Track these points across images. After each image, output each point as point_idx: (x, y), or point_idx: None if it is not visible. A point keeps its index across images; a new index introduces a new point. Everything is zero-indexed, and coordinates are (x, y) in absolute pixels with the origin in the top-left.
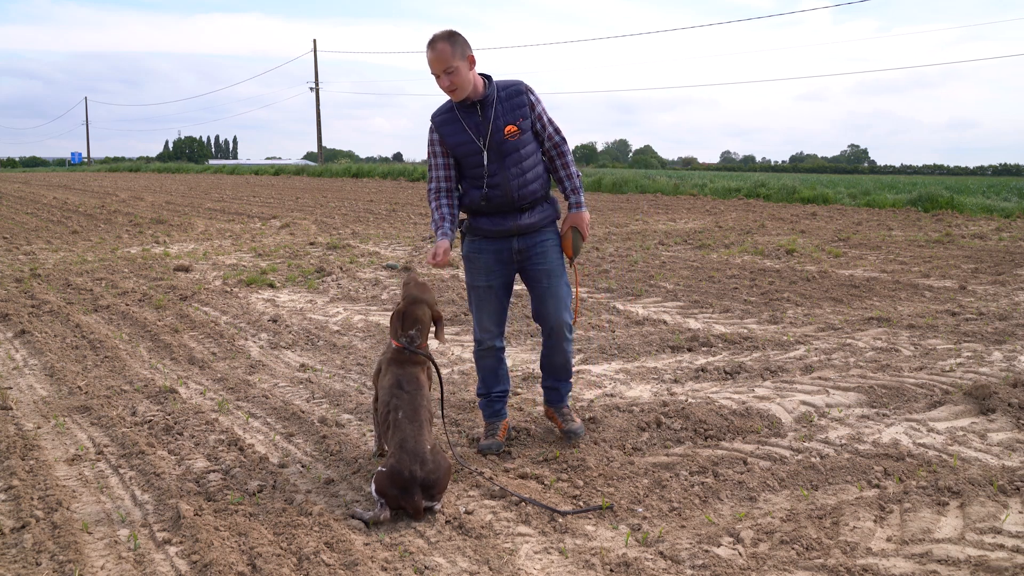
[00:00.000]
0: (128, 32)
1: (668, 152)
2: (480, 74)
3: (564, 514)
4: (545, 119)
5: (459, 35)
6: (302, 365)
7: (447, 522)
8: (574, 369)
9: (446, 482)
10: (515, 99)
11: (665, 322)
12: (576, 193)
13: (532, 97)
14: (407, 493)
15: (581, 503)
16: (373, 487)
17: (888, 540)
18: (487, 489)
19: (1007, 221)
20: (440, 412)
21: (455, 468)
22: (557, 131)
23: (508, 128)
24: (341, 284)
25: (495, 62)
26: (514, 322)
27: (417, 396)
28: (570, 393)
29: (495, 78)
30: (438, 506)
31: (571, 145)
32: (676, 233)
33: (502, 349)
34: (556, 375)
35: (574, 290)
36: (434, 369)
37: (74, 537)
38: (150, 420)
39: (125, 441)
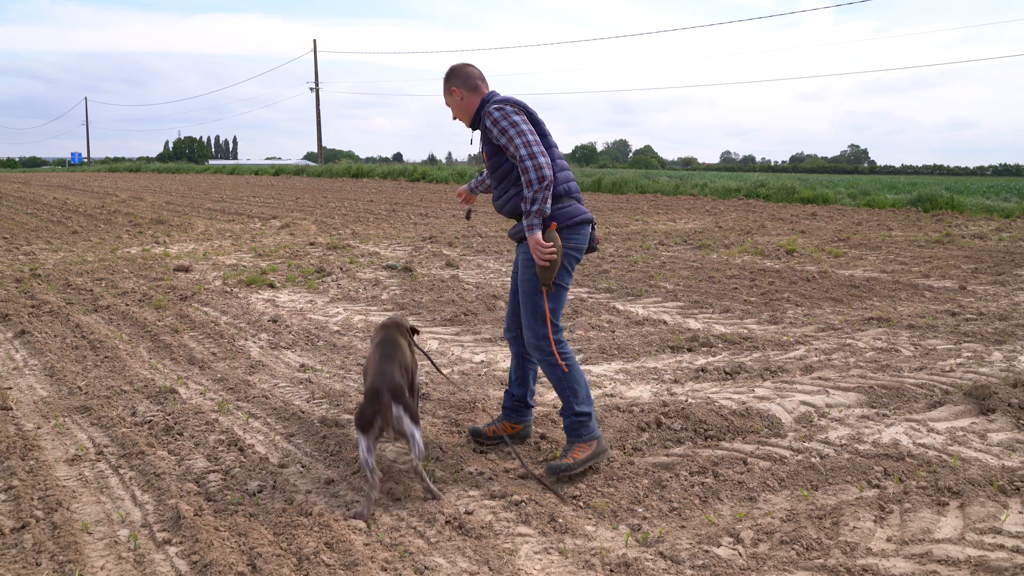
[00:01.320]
0: (129, 32)
1: (668, 152)
2: (488, 95)
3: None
4: (503, 141)
5: (453, 69)
6: (302, 365)
7: (447, 522)
8: None
9: (413, 390)
10: (483, 125)
11: (665, 322)
12: (526, 216)
13: (487, 122)
14: (378, 403)
15: (581, 503)
16: (354, 424)
17: (888, 540)
18: (487, 489)
19: (1007, 221)
20: (433, 368)
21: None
22: (516, 149)
23: (484, 154)
24: (341, 284)
25: (495, 62)
26: None
27: (394, 350)
28: (582, 429)
29: (499, 95)
30: (418, 434)
31: (567, 148)
32: (676, 233)
33: (511, 342)
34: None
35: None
36: (418, 348)
37: (74, 537)
38: (150, 420)
39: (125, 441)
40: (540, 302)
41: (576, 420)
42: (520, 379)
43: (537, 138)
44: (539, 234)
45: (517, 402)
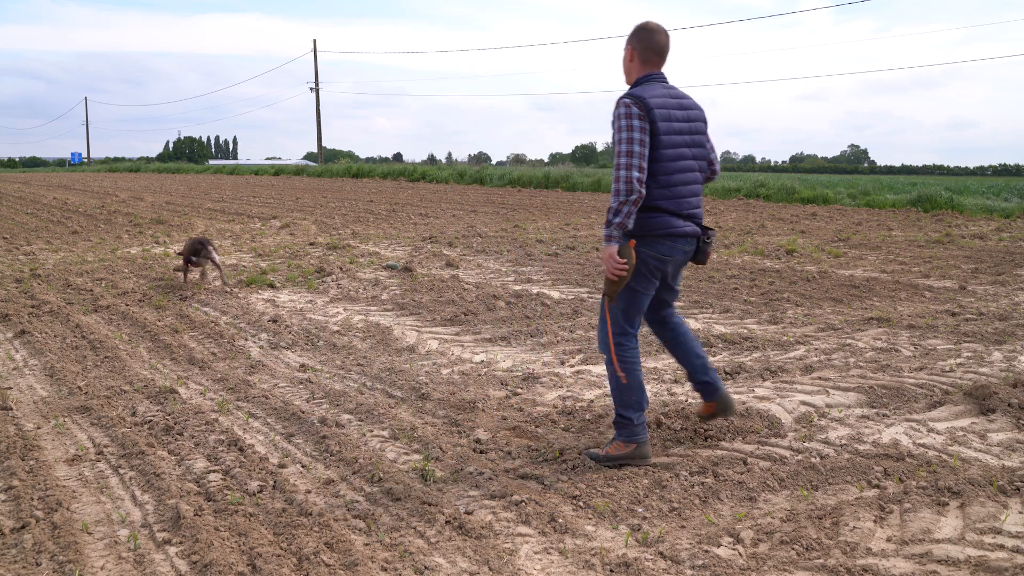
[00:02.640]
0: (129, 32)
1: None
2: (647, 76)
3: None
4: (614, 138)
5: (640, 27)
6: (302, 365)
7: (447, 522)
8: (573, 369)
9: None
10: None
11: None
12: (606, 225)
13: (613, 115)
14: (202, 245)
15: (581, 503)
16: (187, 255)
17: (888, 540)
18: (487, 489)
19: (1007, 221)
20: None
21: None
22: (617, 155)
23: None
24: (341, 284)
25: (495, 62)
26: (514, 322)
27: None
28: (622, 430)
29: (652, 84)
30: (217, 257)
31: (567, 148)
32: None
33: (656, 333)
34: None
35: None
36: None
37: (74, 537)
38: (150, 420)
39: (125, 441)
40: (610, 306)
41: (620, 419)
42: (681, 362)
43: (643, 151)
44: (615, 248)
45: (696, 382)
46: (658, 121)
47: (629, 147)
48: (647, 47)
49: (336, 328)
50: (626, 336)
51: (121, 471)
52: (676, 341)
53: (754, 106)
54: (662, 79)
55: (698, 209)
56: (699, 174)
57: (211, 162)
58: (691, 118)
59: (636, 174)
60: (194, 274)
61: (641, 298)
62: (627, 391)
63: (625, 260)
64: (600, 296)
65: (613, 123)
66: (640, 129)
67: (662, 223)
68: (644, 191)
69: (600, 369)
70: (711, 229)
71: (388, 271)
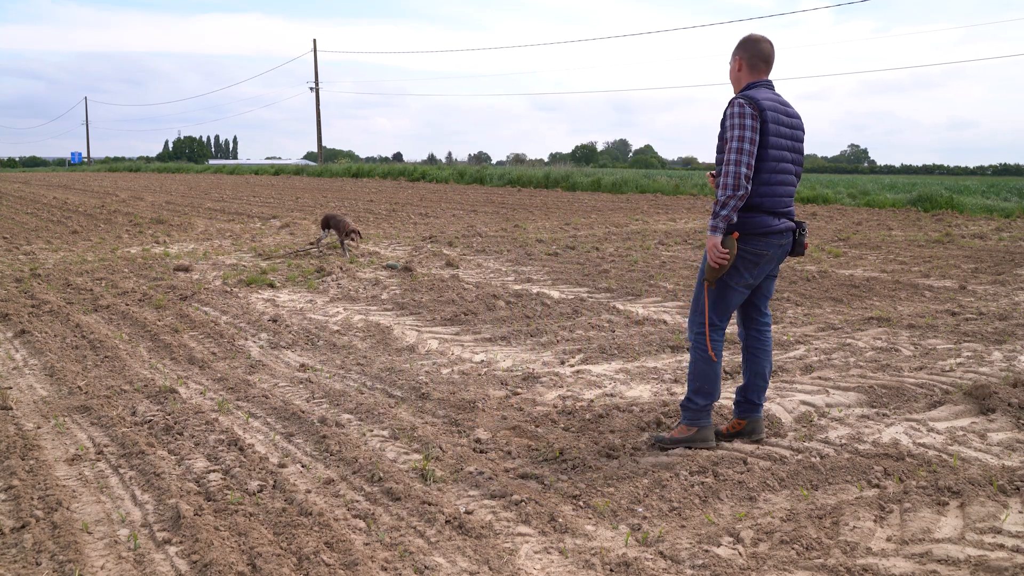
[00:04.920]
0: (129, 32)
1: (668, 152)
2: (756, 82)
3: None
4: (726, 136)
5: (746, 39)
6: (302, 365)
7: (447, 522)
8: (573, 369)
9: (349, 226)
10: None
11: (665, 322)
12: (712, 216)
13: (726, 112)
14: (333, 222)
15: (581, 503)
16: (321, 225)
17: (888, 540)
18: (487, 489)
19: (1007, 221)
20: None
21: None
22: (728, 151)
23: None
24: (341, 284)
25: (495, 62)
26: (514, 322)
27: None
28: (687, 414)
29: (762, 90)
30: (326, 238)
31: (568, 148)
32: (676, 233)
33: (741, 338)
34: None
35: (706, 312)
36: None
37: (74, 537)
38: (150, 420)
39: (125, 441)
40: (703, 296)
41: (687, 402)
42: (745, 372)
43: (753, 149)
44: (719, 238)
45: (743, 397)
46: (768, 123)
47: (740, 144)
48: (754, 55)
49: (336, 328)
50: (713, 328)
51: (121, 471)
52: (753, 350)
53: None
54: (770, 85)
55: (791, 208)
56: (795, 176)
57: (211, 162)
58: (794, 125)
59: (744, 171)
60: (328, 239)
61: (732, 294)
62: (705, 378)
63: (727, 251)
64: (699, 289)
65: (724, 121)
66: (752, 129)
67: (760, 223)
68: (749, 188)
69: (600, 369)
70: (804, 222)
71: (388, 271)
